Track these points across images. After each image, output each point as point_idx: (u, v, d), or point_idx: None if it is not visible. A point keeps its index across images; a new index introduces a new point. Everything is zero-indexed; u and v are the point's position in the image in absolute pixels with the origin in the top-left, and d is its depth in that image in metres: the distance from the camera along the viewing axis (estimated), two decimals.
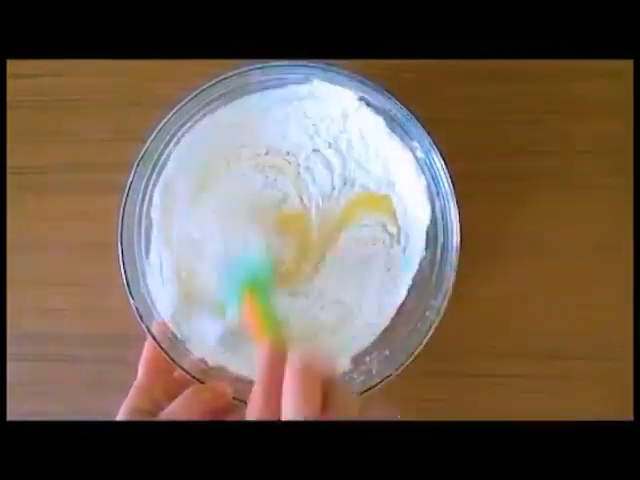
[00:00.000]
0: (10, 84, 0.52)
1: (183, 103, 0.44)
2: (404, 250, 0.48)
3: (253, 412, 0.35)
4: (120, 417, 0.40)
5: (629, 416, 0.45)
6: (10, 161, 0.52)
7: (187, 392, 0.41)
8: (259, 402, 0.35)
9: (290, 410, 0.33)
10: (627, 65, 0.47)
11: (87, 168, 0.53)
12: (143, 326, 0.43)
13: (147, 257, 0.46)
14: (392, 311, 0.48)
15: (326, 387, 0.34)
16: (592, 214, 0.51)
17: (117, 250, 0.44)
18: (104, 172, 0.52)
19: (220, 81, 0.45)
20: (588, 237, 0.51)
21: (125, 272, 0.43)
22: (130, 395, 0.41)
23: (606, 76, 0.50)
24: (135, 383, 0.42)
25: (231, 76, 0.44)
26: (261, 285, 0.43)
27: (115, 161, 0.50)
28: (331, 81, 0.46)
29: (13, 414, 0.48)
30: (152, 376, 0.43)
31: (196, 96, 0.45)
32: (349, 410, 0.34)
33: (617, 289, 0.50)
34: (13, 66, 0.51)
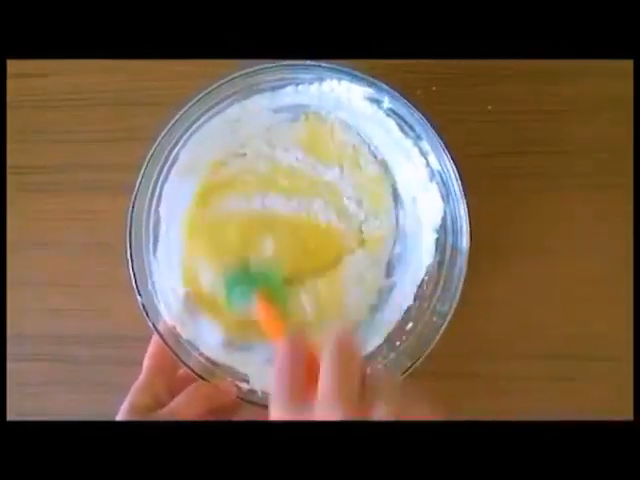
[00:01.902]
0: (10, 84, 0.52)
1: (194, 101, 0.44)
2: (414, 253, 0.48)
3: (276, 411, 0.32)
4: (121, 412, 0.40)
5: (629, 416, 0.45)
6: (10, 161, 0.52)
7: (191, 387, 0.41)
8: (282, 399, 0.32)
9: (326, 406, 0.30)
10: (627, 65, 0.47)
11: (87, 168, 0.53)
12: (149, 323, 0.43)
13: (154, 255, 0.46)
14: (398, 315, 0.48)
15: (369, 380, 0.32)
16: (592, 214, 0.51)
17: (125, 246, 0.43)
18: (104, 172, 0.52)
19: (230, 80, 0.44)
20: (588, 237, 0.51)
21: (133, 269, 0.43)
22: (132, 390, 0.41)
23: (606, 76, 0.50)
24: (138, 379, 0.42)
25: (241, 75, 0.44)
26: (276, 288, 0.43)
27: (115, 161, 0.50)
28: (342, 83, 0.46)
29: (13, 414, 0.48)
30: (155, 372, 0.43)
31: (208, 94, 0.44)
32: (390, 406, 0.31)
33: (617, 289, 0.50)
34: (13, 66, 0.51)
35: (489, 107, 0.51)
